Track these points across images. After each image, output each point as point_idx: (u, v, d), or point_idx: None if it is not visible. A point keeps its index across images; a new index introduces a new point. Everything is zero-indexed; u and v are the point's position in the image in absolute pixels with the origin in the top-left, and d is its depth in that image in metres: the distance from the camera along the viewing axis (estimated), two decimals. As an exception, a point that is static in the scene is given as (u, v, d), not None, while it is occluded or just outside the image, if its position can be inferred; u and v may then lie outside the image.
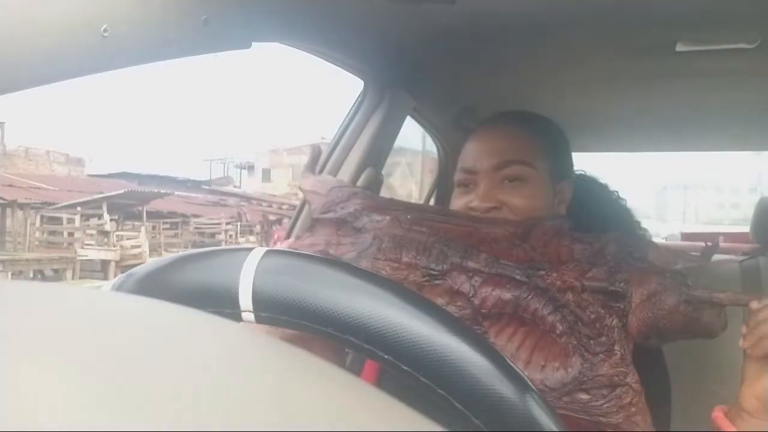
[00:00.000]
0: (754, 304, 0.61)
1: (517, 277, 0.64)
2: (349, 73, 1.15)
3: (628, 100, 1.52)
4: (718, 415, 0.63)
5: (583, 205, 0.91)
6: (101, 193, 15.01)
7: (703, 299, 0.60)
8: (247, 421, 0.15)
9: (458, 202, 0.86)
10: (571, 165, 0.95)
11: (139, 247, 13.04)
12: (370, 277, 0.37)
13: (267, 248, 0.39)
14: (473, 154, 0.87)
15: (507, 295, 0.63)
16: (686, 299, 0.60)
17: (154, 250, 13.40)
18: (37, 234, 13.95)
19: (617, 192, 1.05)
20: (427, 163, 2.06)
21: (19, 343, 0.17)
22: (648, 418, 0.59)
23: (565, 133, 0.96)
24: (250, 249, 0.39)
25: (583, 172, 1.04)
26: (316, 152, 0.98)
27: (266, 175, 28.76)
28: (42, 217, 14.12)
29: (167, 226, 16.45)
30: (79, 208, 14.09)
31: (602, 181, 1.06)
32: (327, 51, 1.05)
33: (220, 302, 0.37)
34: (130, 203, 15.14)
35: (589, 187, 1.00)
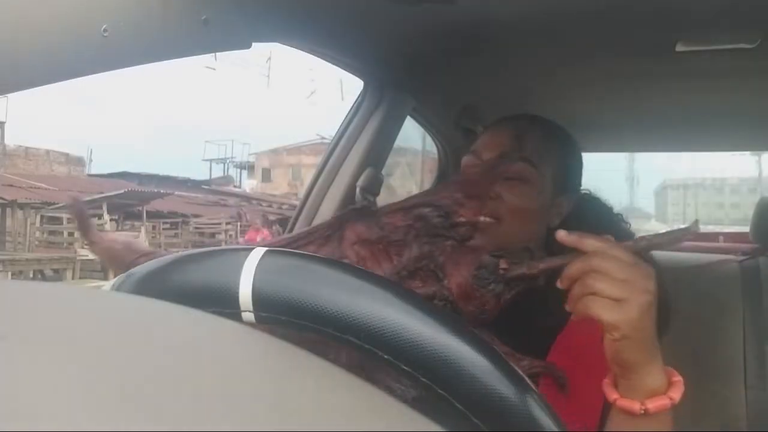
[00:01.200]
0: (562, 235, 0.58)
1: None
2: (349, 73, 1.15)
3: (628, 100, 1.52)
4: (605, 382, 0.61)
5: (581, 222, 0.87)
6: (101, 193, 15.01)
7: (518, 275, 0.58)
8: (247, 421, 0.15)
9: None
10: (579, 181, 0.93)
11: (139, 247, 13.01)
12: (371, 277, 0.37)
13: (267, 248, 0.39)
14: (485, 141, 0.87)
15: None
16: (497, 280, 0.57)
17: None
18: (37, 234, 13.95)
19: (621, 215, 1.02)
20: (427, 163, 2.06)
21: (19, 343, 0.17)
22: None
23: (579, 151, 0.95)
24: (250, 249, 0.38)
25: (588, 192, 1.02)
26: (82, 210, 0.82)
27: (266, 175, 28.76)
28: (42, 217, 14.12)
29: (167, 226, 16.44)
30: (79, 208, 14.04)
31: (607, 203, 1.03)
32: (327, 51, 1.05)
33: (220, 302, 0.37)
34: (130, 203, 15.14)
35: (591, 206, 0.98)
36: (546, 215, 0.85)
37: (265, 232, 11.67)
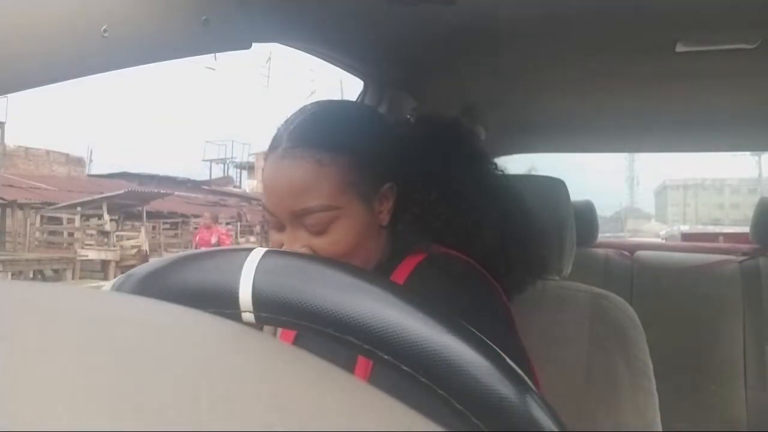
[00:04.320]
0: None
1: None
2: (349, 73, 1.15)
3: (628, 100, 1.52)
4: None
5: (407, 205, 0.79)
6: (101, 193, 15.01)
7: None
8: (247, 422, 0.15)
9: (273, 241, 0.77)
10: (395, 157, 0.79)
11: (139, 247, 13.05)
12: (371, 277, 0.37)
13: (267, 248, 0.39)
14: (269, 194, 0.74)
15: None
16: None
17: (154, 250, 13.41)
18: (37, 234, 13.96)
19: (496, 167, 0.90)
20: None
21: (19, 343, 0.17)
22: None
23: (378, 121, 0.82)
24: (250, 249, 0.39)
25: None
26: None
27: (266, 175, 28.68)
28: (42, 217, 14.13)
29: (167, 226, 16.46)
30: (79, 208, 14.09)
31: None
32: (327, 51, 1.05)
33: (220, 302, 0.37)
34: (130, 203, 15.14)
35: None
36: (373, 226, 0.76)
37: (221, 229, 10.75)
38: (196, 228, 16.78)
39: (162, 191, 16.72)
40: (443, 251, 0.78)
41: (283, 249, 0.72)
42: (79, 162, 23.19)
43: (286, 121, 0.78)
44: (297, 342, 0.75)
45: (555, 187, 1.13)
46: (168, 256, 0.42)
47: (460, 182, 0.83)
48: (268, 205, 0.75)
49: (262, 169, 0.76)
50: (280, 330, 0.93)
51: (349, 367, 0.70)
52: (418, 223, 0.79)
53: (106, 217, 13.90)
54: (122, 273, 0.42)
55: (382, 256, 0.80)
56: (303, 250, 0.71)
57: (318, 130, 0.75)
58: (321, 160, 0.71)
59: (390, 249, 0.81)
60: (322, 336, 0.35)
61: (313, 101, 0.82)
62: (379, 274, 0.75)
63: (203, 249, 0.46)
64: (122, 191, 15.04)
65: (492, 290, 0.76)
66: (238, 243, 15.39)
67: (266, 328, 0.78)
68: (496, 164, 0.93)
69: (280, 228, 0.75)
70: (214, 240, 9.56)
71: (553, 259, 1.03)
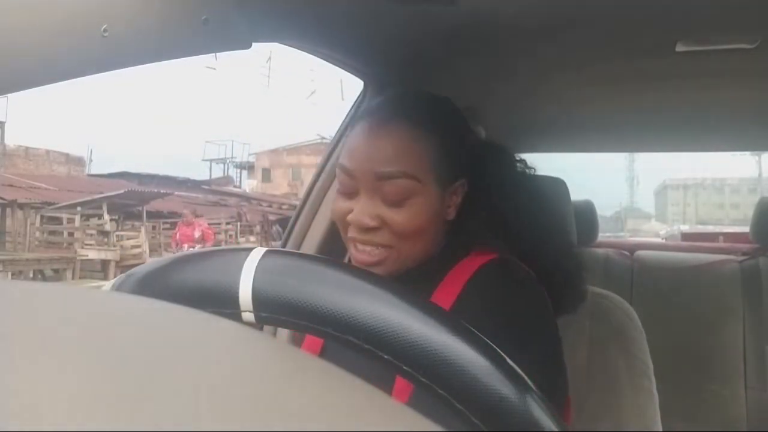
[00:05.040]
0: None
1: None
2: (349, 73, 1.15)
3: (628, 100, 1.52)
4: None
5: (476, 205, 0.79)
6: (101, 193, 15.01)
7: None
8: (246, 421, 0.15)
9: (338, 208, 0.76)
10: (469, 156, 0.80)
11: (139, 247, 13.05)
12: (370, 277, 0.37)
13: (267, 248, 0.39)
14: (354, 153, 0.75)
15: None
16: None
17: (154, 250, 13.40)
18: (37, 234, 13.95)
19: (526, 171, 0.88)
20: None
21: (19, 343, 0.17)
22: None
23: (462, 120, 0.84)
24: (250, 249, 0.39)
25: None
26: None
27: (266, 175, 28.78)
28: (42, 217, 14.13)
29: (167, 226, 16.44)
30: (79, 208, 14.09)
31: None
32: (327, 51, 1.05)
33: (220, 302, 0.37)
34: (130, 203, 15.15)
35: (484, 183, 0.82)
36: (440, 217, 0.76)
37: (203, 223, 10.31)
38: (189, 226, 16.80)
39: (162, 191, 16.72)
40: (510, 257, 0.76)
41: (350, 217, 0.73)
42: (79, 162, 23.18)
43: (383, 97, 0.85)
44: (325, 356, 0.74)
45: (555, 186, 1.13)
46: (168, 256, 0.42)
47: (527, 192, 0.84)
48: (348, 165, 0.74)
49: (351, 133, 0.79)
50: (280, 330, 0.93)
51: (387, 389, 0.68)
52: (483, 228, 0.78)
53: (106, 216, 13.90)
54: (122, 273, 0.42)
55: (437, 250, 0.78)
56: (372, 222, 0.72)
57: (416, 107, 0.79)
58: (415, 134, 0.74)
59: (447, 246, 0.79)
60: (322, 336, 0.35)
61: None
62: (431, 269, 0.75)
63: (203, 249, 0.46)
64: (122, 191, 15.03)
65: (551, 309, 0.74)
66: (238, 243, 15.39)
67: (266, 328, 0.77)
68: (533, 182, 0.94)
69: (351, 194, 0.75)
70: (197, 234, 9.25)
71: None
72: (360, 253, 0.74)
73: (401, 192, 0.72)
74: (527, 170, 0.88)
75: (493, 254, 0.76)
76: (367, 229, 0.73)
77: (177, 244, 9.71)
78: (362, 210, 0.73)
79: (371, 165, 0.73)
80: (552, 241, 0.82)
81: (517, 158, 0.88)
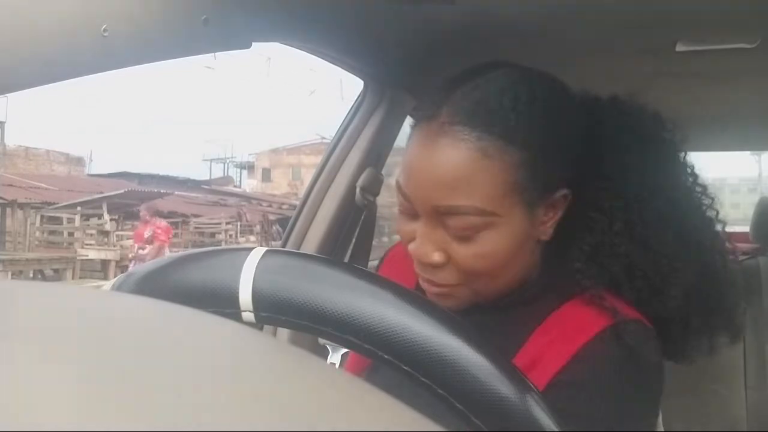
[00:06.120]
0: None
1: None
2: (349, 73, 1.15)
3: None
4: None
5: (580, 219, 0.62)
6: (101, 193, 15.01)
7: None
8: (247, 421, 0.15)
9: (401, 230, 0.62)
10: (574, 154, 0.61)
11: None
12: (370, 277, 0.37)
13: (267, 248, 0.39)
14: (408, 176, 0.58)
15: None
16: None
17: (154, 249, 13.40)
18: (37, 234, 13.96)
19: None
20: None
21: (19, 343, 0.17)
22: None
23: (568, 105, 0.64)
24: (250, 249, 0.39)
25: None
26: None
27: (266, 175, 28.79)
28: (42, 217, 14.13)
29: (167, 225, 16.44)
30: (79, 208, 14.10)
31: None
32: (327, 51, 1.05)
33: (220, 302, 0.37)
34: (130, 203, 15.15)
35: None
36: (531, 237, 0.60)
37: (159, 223, 9.36)
38: (197, 228, 16.79)
39: (162, 191, 16.72)
40: (634, 319, 0.59)
41: (411, 247, 0.59)
42: (79, 161, 23.20)
43: (452, 81, 0.60)
44: (369, 378, 0.62)
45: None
46: (168, 256, 0.42)
47: (654, 209, 0.61)
48: (404, 187, 0.58)
49: (407, 142, 0.60)
50: (280, 330, 0.93)
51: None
52: (591, 260, 0.60)
53: (106, 216, 13.91)
54: (122, 273, 0.42)
55: (532, 274, 0.63)
56: (434, 258, 0.57)
57: (489, 108, 0.56)
58: (486, 149, 0.54)
59: (544, 271, 0.64)
60: (322, 336, 0.35)
61: (494, 64, 0.63)
62: (526, 299, 0.62)
63: (203, 249, 0.46)
64: (122, 191, 15.05)
65: (663, 377, 0.62)
66: (238, 243, 15.38)
67: (266, 327, 0.77)
68: (697, 176, 0.69)
69: (414, 216, 0.59)
70: (147, 234, 8.59)
71: None
72: (425, 282, 0.61)
73: (470, 227, 0.56)
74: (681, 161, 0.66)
75: (611, 318, 0.58)
76: (430, 265, 0.58)
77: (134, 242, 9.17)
78: (424, 243, 0.57)
79: (428, 195, 0.56)
80: (680, 286, 0.61)
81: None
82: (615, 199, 0.61)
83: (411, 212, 0.59)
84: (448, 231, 0.57)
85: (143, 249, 8.50)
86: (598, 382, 0.56)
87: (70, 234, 13.87)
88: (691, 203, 0.67)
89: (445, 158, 0.55)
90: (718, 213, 0.68)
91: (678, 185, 0.66)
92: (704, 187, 0.68)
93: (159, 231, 8.85)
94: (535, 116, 0.57)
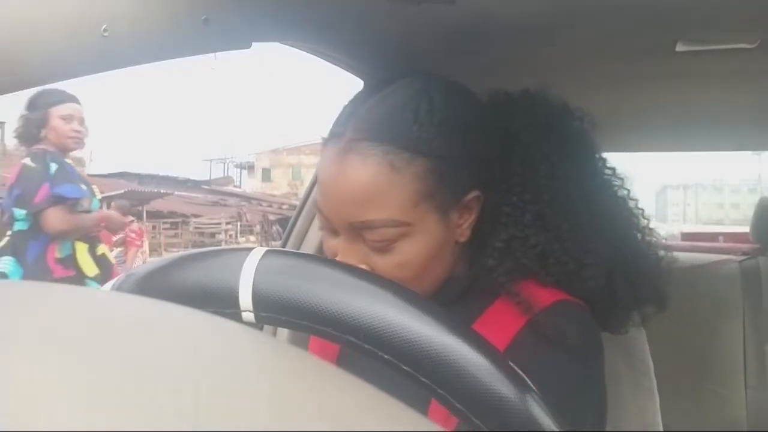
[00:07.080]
0: None
1: None
2: (349, 73, 1.15)
3: (628, 100, 1.52)
4: None
5: (496, 219, 0.64)
6: (101, 193, 15.00)
7: None
8: (247, 421, 0.15)
9: (326, 245, 0.64)
10: (487, 157, 0.64)
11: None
12: (370, 276, 0.37)
13: (267, 248, 0.39)
14: (323, 195, 0.60)
15: None
16: None
17: (154, 250, 13.42)
18: (37, 234, 13.93)
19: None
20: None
21: (19, 343, 0.17)
22: None
23: (477, 111, 0.67)
24: (250, 249, 0.39)
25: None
26: None
27: (266, 175, 28.80)
28: (42, 217, 14.11)
29: (167, 226, 16.47)
30: (79, 208, 14.08)
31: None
32: (327, 51, 1.05)
33: (220, 302, 0.37)
34: (130, 203, 15.15)
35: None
36: (448, 241, 0.62)
37: (134, 226, 8.14)
38: (197, 228, 16.80)
39: (162, 191, 16.73)
40: (554, 302, 0.61)
41: (337, 260, 0.59)
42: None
43: (354, 99, 0.63)
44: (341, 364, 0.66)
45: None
46: (168, 256, 0.42)
47: (563, 196, 0.64)
48: (322, 208, 0.61)
49: (319, 161, 0.62)
50: (280, 330, 0.92)
51: (422, 408, 0.63)
52: (505, 254, 0.62)
53: (106, 216, 13.89)
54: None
55: (457, 274, 0.66)
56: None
57: (393, 121, 0.58)
58: (393, 162, 0.56)
59: (469, 268, 0.66)
60: (322, 336, 0.35)
61: (399, 81, 0.63)
62: (461, 308, 0.61)
63: (203, 249, 0.46)
64: (122, 191, 15.04)
65: (601, 348, 0.63)
66: (238, 243, 15.39)
67: (266, 327, 0.77)
68: (605, 160, 0.74)
69: (335, 232, 0.62)
70: (114, 237, 7.25)
71: None
72: None
73: (386, 239, 0.58)
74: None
75: (548, 300, 0.61)
76: None
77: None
78: (344, 257, 0.60)
79: (343, 212, 0.58)
80: (595, 268, 0.64)
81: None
82: (523, 193, 0.64)
83: (331, 228, 0.61)
84: (367, 244, 0.59)
85: (111, 251, 7.77)
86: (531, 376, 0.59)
87: (70, 234, 13.84)
88: (601, 185, 0.70)
89: (354, 175, 0.57)
90: (629, 192, 0.72)
91: (587, 170, 0.70)
92: (613, 169, 0.72)
93: (133, 235, 7.70)
94: (437, 125, 0.59)
